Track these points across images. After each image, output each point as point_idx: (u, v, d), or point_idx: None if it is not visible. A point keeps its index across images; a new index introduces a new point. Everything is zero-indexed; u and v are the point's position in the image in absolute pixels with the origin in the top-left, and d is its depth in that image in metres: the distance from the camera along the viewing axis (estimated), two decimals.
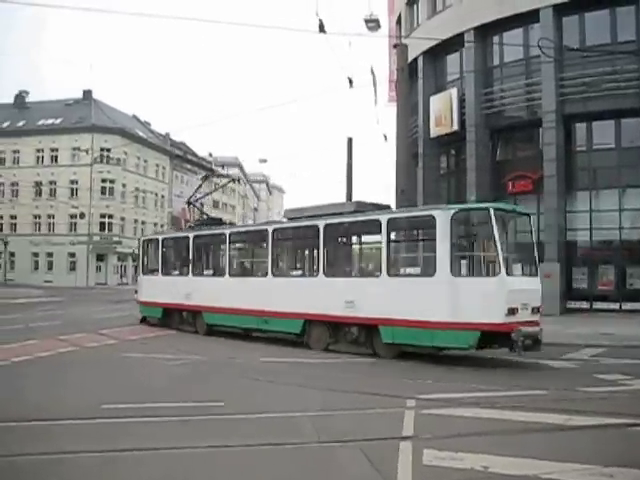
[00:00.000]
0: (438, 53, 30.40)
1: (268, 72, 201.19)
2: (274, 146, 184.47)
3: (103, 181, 59.82)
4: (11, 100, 67.05)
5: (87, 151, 54.07)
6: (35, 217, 61.42)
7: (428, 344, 12.56)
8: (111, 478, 5.55)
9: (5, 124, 60.40)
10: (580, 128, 25.90)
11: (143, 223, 63.70)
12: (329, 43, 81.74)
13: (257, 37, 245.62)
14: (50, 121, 62.05)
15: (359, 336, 13.91)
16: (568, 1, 24.27)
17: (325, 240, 14.65)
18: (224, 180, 45.88)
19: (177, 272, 19.89)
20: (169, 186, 71.27)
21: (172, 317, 19.75)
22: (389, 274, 13.19)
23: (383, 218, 13.45)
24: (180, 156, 74.90)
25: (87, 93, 65.35)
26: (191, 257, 19.11)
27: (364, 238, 15.04)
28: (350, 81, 20.93)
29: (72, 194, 59.47)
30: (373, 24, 20.00)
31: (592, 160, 25.48)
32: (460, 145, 29.06)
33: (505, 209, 13.31)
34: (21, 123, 62.93)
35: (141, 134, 67.75)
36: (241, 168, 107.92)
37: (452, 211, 12.40)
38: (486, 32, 27.53)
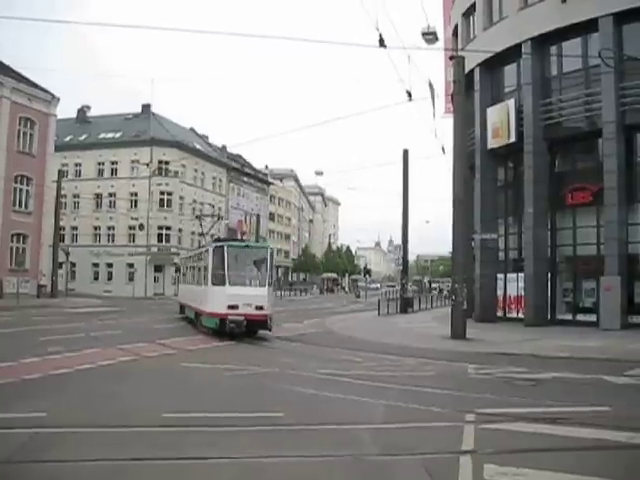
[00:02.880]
0: (495, 64, 30.08)
1: (322, 86, 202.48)
2: (330, 158, 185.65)
3: (161, 193, 60.77)
4: (74, 115, 68.64)
5: (147, 164, 55.17)
6: (95, 228, 62.52)
7: (211, 326, 19.80)
8: None
9: (68, 138, 61.73)
10: None
11: (200, 235, 64.40)
12: (389, 57, 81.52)
13: (311, 52, 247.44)
14: (110, 135, 63.38)
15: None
16: (628, 9, 23.72)
17: (200, 261, 23.19)
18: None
19: (182, 281, 30.85)
20: (226, 198, 72.13)
21: (183, 310, 28.53)
22: (205, 284, 20.83)
23: (203, 249, 22.96)
24: (237, 168, 75.69)
25: (146, 107, 66.51)
26: (183, 271, 30.84)
27: (206, 262, 21.11)
28: (409, 94, 20.84)
29: (131, 206, 60.54)
30: (431, 37, 19.89)
31: None
32: (517, 157, 28.68)
33: (238, 245, 21.65)
34: (83, 137, 64.34)
35: (198, 147, 68.72)
36: (297, 180, 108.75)
37: (213, 246, 20.54)
38: (543, 42, 27.13)
